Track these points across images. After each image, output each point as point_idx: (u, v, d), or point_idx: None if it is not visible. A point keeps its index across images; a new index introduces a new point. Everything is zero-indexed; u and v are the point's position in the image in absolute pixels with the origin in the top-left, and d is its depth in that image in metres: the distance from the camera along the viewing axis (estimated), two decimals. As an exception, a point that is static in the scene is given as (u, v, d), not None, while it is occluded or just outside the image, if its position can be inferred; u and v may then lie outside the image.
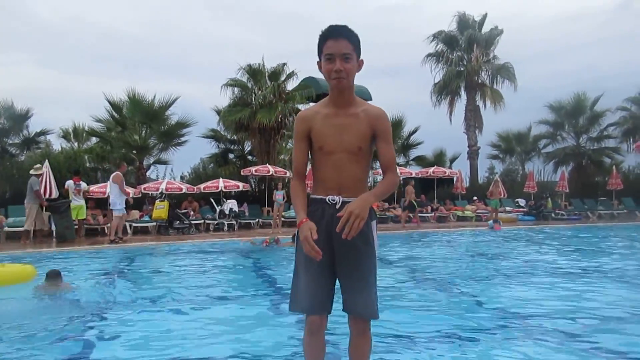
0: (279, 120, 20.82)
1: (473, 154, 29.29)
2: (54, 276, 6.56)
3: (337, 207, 2.43)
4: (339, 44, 2.42)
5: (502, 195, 23.74)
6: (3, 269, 7.08)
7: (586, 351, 3.92)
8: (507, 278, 7.75)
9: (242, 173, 20.31)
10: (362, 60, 2.51)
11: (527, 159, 32.38)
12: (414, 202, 19.24)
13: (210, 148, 25.55)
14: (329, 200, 2.49)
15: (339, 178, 2.45)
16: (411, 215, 19.46)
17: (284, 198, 17.48)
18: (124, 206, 13.16)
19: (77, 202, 13.98)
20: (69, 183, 14.00)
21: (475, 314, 5.28)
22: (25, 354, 3.85)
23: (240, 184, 19.30)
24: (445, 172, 24.08)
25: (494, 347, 4.01)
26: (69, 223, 13.51)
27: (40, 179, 13.96)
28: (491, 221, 18.22)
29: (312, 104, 24.53)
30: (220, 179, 18.90)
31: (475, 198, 23.75)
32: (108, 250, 11.82)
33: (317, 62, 2.52)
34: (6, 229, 13.94)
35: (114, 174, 13.22)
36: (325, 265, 2.46)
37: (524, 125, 32.08)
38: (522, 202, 25.18)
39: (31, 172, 13.67)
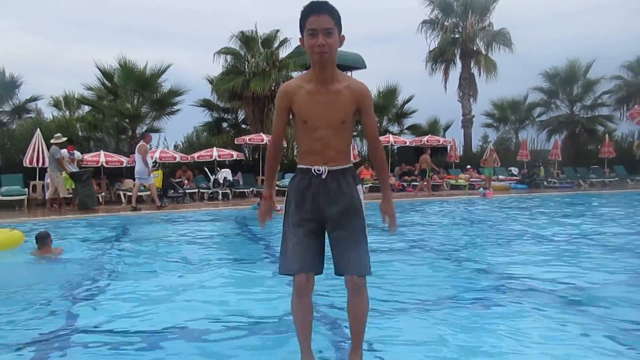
0: (273, 88, 20.59)
1: (467, 122, 29.26)
2: (43, 238, 6.57)
3: (323, 177, 2.58)
4: (321, 19, 2.48)
5: (496, 164, 23.85)
6: None
7: (575, 312, 4.05)
8: (499, 244, 7.89)
9: (236, 142, 20.21)
10: (343, 36, 2.58)
11: (520, 128, 32.42)
12: (427, 170, 19.27)
13: (203, 117, 25.34)
14: (314, 170, 2.60)
15: (324, 151, 2.57)
16: (422, 182, 19.45)
17: None
18: (149, 176, 13.45)
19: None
20: (63, 152, 13.87)
21: (469, 279, 5.39)
22: (15, 320, 3.91)
23: (234, 153, 19.24)
24: (439, 141, 24.05)
25: (486, 311, 4.12)
26: (91, 191, 13.71)
27: (32, 146, 14.39)
28: (482, 189, 18.37)
29: (305, 72, 24.19)
30: (214, 148, 18.82)
31: (468, 166, 23.84)
32: (104, 217, 11.88)
33: (300, 38, 2.60)
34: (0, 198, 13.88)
35: (139, 144, 13.49)
36: (311, 231, 2.62)
37: (518, 93, 32.00)
38: (515, 170, 25.30)
39: (52, 141, 13.71)
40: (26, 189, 14.62)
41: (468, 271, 5.78)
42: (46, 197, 13.77)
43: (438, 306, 4.21)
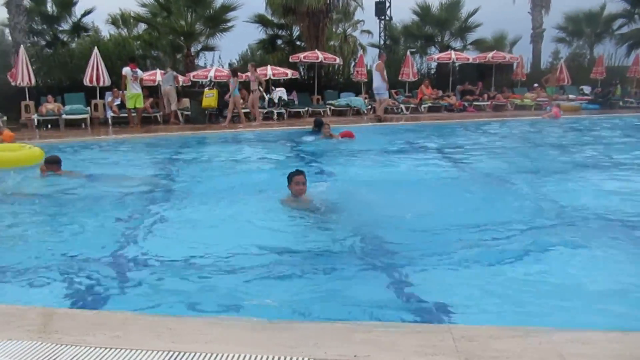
0: (328, 2, 19.64)
1: (537, 37, 27.09)
2: (53, 162, 6.56)
3: None
4: None
5: (566, 82, 22.21)
6: (13, 153, 7.29)
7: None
8: (564, 172, 7.33)
9: (290, 60, 19.69)
10: None
11: (596, 42, 29.71)
12: None
13: (257, 34, 24.75)
14: None
15: None
16: None
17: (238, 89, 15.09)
18: (386, 91, 15.29)
19: (135, 90, 13.87)
20: (127, 70, 13.70)
21: (528, 209, 5.02)
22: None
23: (289, 71, 18.79)
24: (504, 57, 22.50)
25: (550, 242, 3.81)
26: (202, 109, 15.23)
27: (91, 65, 15.05)
28: (547, 107, 17.20)
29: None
30: (269, 66, 18.42)
31: (535, 85, 22.31)
32: (163, 137, 12.09)
33: None
34: (64, 116, 14.31)
35: (376, 62, 15.27)
36: None
37: (596, 3, 29.03)
38: (587, 89, 23.51)
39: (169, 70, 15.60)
40: (88, 108, 15.00)
41: (526, 200, 5.38)
42: (166, 112, 15.47)
43: (493, 240, 3.92)
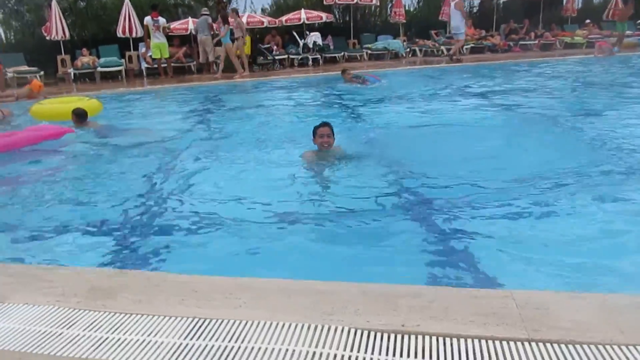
0: (363, -62, 18.53)
1: (591, -34, 25.11)
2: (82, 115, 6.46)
3: None
4: None
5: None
6: (68, 105, 7.17)
7: None
8: (622, 112, 6.71)
9: (324, 2, 18.89)
10: None
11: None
12: None
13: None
14: None
15: None
16: None
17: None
18: (464, 31, 14.73)
19: (158, 40, 13.71)
20: (147, 19, 13.63)
21: (587, 152, 4.59)
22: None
23: (324, 15, 18.04)
24: (553, -9, 21.00)
25: (609, 189, 3.42)
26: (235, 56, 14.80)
27: (123, 16, 14.88)
28: (616, 48, 15.85)
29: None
30: (302, 10, 17.73)
31: (587, 21, 20.78)
32: (196, 87, 11.89)
33: None
34: (99, 69, 14.25)
35: (455, 1, 14.22)
36: None
37: None
38: (645, 23, 21.74)
39: (203, 11, 14.79)
40: (122, 60, 14.88)
41: (585, 149, 4.90)
42: (200, 62, 15.01)
43: (550, 191, 3.54)
